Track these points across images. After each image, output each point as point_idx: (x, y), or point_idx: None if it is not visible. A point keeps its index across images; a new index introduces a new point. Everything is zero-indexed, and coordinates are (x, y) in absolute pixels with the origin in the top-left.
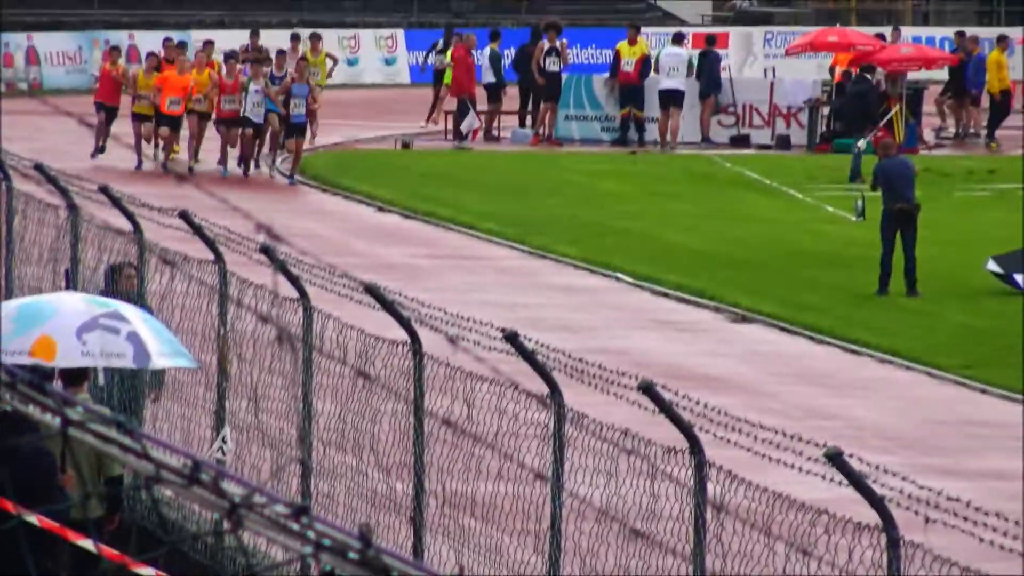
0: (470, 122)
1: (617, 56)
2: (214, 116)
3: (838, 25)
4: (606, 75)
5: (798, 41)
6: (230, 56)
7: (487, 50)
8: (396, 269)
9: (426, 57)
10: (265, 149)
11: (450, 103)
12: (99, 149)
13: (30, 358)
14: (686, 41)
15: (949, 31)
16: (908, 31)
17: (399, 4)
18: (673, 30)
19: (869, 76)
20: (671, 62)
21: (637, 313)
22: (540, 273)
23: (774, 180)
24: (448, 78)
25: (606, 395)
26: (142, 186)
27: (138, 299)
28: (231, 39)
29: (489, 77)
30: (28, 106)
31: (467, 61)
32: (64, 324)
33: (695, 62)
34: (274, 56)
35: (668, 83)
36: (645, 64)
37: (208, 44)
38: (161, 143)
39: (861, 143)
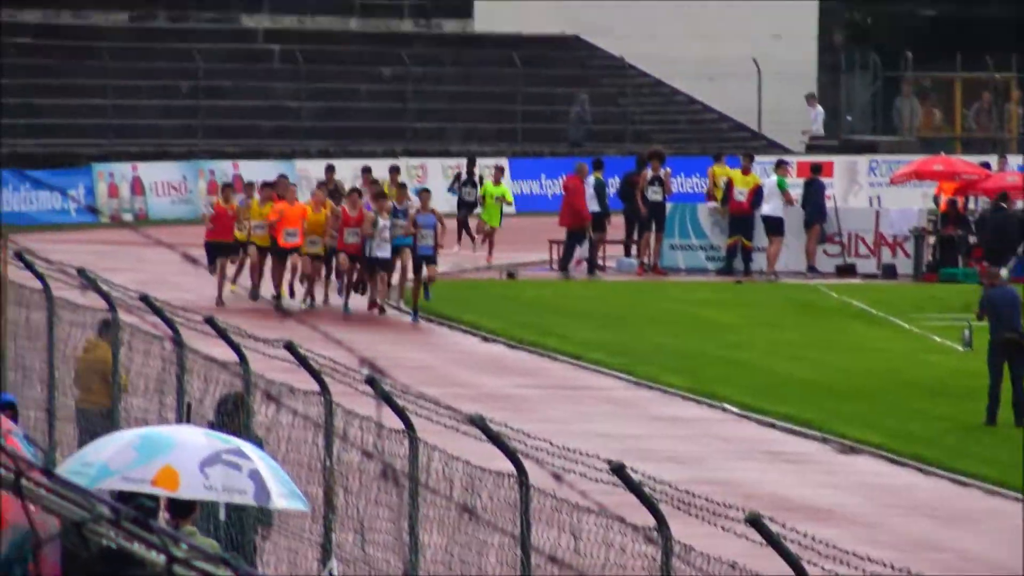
0: (582, 253)
1: (730, 185)
2: (334, 247)
3: (943, 154)
4: (711, 204)
5: (903, 170)
6: (353, 190)
7: (591, 179)
8: (502, 400)
9: (451, 187)
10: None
11: (554, 232)
12: (220, 300)
13: (152, 487)
14: (789, 168)
15: None
16: (1014, 159)
17: (503, 133)
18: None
19: (1005, 205)
20: (764, 189)
21: (744, 444)
22: (647, 403)
23: (880, 310)
24: (487, 214)
25: (713, 527)
26: (246, 318)
27: (244, 430)
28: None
29: (594, 206)
30: (133, 237)
31: (580, 190)
32: (187, 456)
33: (784, 186)
34: (391, 188)
35: (764, 209)
36: (757, 194)
37: (323, 185)
38: (274, 278)
39: (1003, 272)
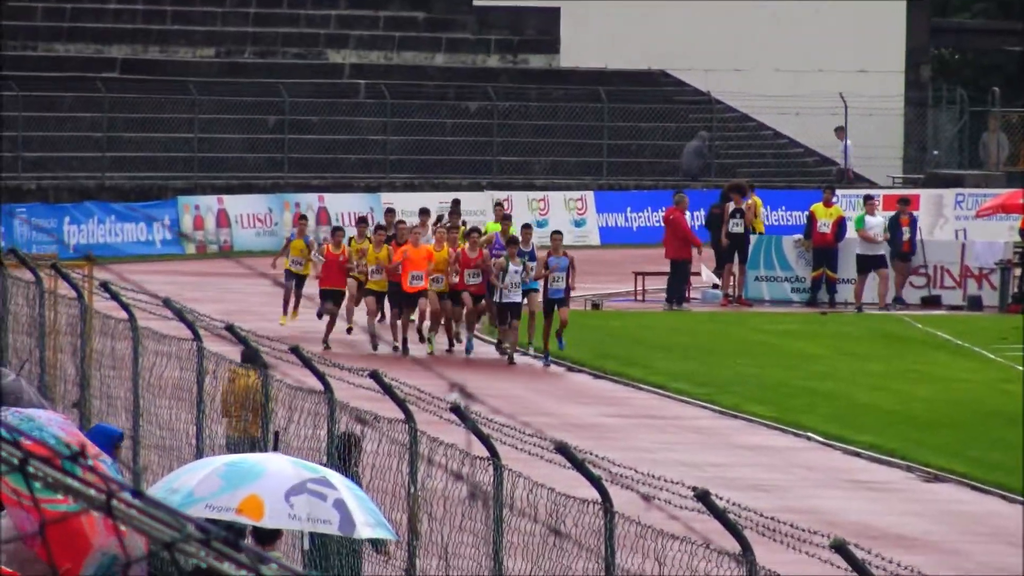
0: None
1: (812, 218)
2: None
3: None
4: (797, 236)
5: (989, 203)
6: (473, 230)
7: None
8: (586, 428)
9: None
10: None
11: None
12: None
13: (237, 515)
14: (874, 202)
15: None
16: None
17: (588, 167)
18: (863, 191)
19: None
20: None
21: (828, 472)
22: (731, 432)
23: (965, 340)
24: None
25: (798, 554)
26: (337, 348)
27: (353, 468)
28: (419, 201)
29: None
30: (219, 267)
31: (682, 223)
32: (273, 486)
33: (860, 224)
34: (519, 231)
35: (863, 248)
36: (841, 226)
37: (452, 228)
38: (401, 324)
39: None
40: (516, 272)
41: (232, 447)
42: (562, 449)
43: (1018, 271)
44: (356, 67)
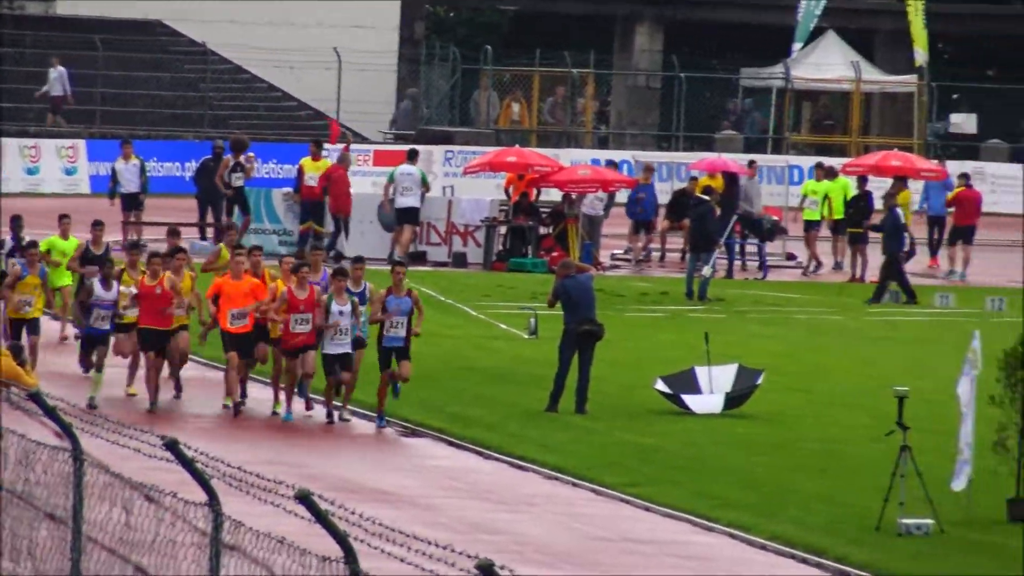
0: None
1: (300, 171)
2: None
3: (517, 146)
4: (286, 189)
5: (476, 161)
6: (301, 265)
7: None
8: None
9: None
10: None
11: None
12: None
13: None
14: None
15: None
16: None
17: (81, 115)
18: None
19: (707, 197)
20: (405, 181)
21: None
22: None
23: (449, 297)
24: None
25: (267, 505)
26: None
27: None
28: None
29: (133, 188)
30: None
31: (346, 179)
32: None
33: (426, 179)
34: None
35: (404, 201)
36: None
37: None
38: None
39: (706, 270)
40: (341, 313)
41: None
42: (33, 396)
43: (503, 229)
44: None
